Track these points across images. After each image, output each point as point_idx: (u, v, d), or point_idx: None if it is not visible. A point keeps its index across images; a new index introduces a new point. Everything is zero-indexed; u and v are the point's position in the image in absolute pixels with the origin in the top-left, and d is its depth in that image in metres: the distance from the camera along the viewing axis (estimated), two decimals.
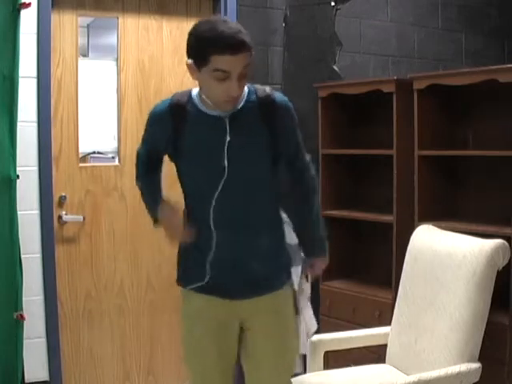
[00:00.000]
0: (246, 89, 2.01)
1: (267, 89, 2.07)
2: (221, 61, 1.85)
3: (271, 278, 2.09)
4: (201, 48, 1.87)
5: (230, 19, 2.00)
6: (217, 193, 2.00)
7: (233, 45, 1.84)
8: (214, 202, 2.01)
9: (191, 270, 2.11)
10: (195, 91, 2.08)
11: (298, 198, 2.19)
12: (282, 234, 2.15)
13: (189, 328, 2.16)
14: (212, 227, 2.02)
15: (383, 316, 3.10)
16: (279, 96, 2.08)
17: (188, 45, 1.94)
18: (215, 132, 1.99)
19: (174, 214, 2.12)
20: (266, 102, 2.02)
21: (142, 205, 3.53)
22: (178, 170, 2.16)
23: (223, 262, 2.04)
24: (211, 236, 2.03)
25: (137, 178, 2.35)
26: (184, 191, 2.16)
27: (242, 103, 2.01)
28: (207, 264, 2.04)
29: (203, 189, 2.05)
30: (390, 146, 3.17)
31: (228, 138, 1.98)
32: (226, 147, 1.98)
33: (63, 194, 3.36)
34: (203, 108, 2.02)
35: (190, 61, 1.93)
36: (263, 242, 2.05)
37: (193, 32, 1.93)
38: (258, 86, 2.07)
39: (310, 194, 2.19)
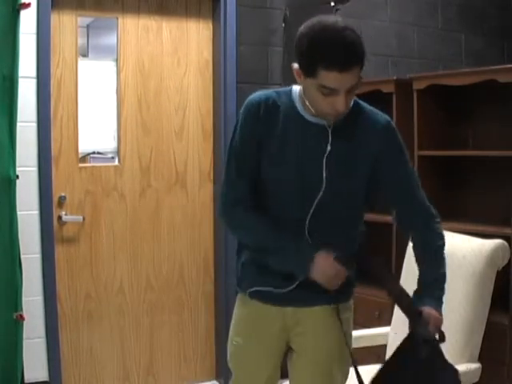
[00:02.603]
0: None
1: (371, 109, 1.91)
2: (328, 78, 1.67)
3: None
4: (309, 59, 1.69)
5: (348, 23, 1.73)
6: (312, 206, 1.83)
7: (343, 62, 1.65)
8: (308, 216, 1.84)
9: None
10: (296, 91, 1.90)
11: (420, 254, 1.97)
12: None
13: None
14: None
15: (383, 316, 3.10)
16: (383, 118, 1.92)
17: (297, 47, 1.74)
18: (316, 141, 1.83)
19: (329, 260, 1.82)
20: (370, 122, 1.88)
21: (142, 205, 3.56)
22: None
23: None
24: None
25: (225, 210, 1.96)
26: (263, 199, 1.92)
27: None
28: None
29: (292, 200, 1.86)
30: None
31: (329, 148, 1.82)
32: (325, 158, 1.82)
33: (63, 194, 3.36)
34: (305, 114, 1.86)
35: (296, 66, 1.74)
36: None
37: (305, 35, 1.72)
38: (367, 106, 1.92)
39: (435, 251, 1.94)
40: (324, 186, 1.82)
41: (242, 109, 1.91)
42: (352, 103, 1.82)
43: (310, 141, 1.84)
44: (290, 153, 1.84)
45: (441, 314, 1.85)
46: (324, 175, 1.82)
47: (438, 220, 1.96)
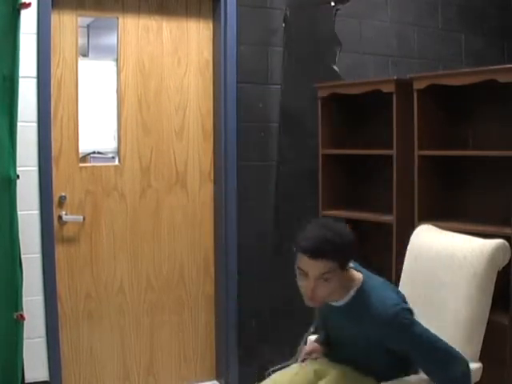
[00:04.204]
0: (356, 285, 2.17)
1: (388, 311, 2.10)
2: (301, 259, 2.09)
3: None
4: (295, 242, 2.12)
5: (334, 224, 2.16)
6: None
7: (310, 249, 2.05)
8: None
9: None
10: None
11: None
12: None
13: None
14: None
15: None
16: (388, 313, 2.10)
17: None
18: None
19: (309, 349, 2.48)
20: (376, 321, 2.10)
21: (142, 204, 3.57)
22: None
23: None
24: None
25: None
26: None
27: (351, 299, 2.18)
28: None
29: None
30: (389, 145, 3.16)
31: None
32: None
33: (63, 194, 3.36)
34: None
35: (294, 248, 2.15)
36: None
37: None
38: (374, 293, 2.16)
39: None
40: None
41: None
42: (351, 294, 2.17)
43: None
44: None
45: None
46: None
47: (455, 363, 2.13)
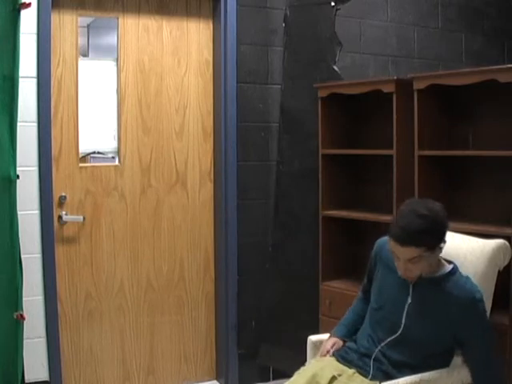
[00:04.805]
0: (448, 268, 2.33)
1: (469, 287, 2.27)
2: (391, 243, 2.25)
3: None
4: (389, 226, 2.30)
5: (425, 208, 2.24)
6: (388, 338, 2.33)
7: (397, 237, 2.21)
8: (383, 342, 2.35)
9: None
10: None
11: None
12: None
13: None
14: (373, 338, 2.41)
15: None
16: (467, 294, 2.25)
17: None
18: (399, 288, 2.35)
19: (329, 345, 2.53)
20: (460, 302, 2.23)
21: (142, 204, 3.57)
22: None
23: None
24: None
25: None
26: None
27: (435, 276, 2.30)
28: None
29: (377, 319, 2.42)
30: (390, 146, 3.17)
31: (409, 301, 2.31)
32: (406, 307, 2.31)
33: (63, 194, 3.36)
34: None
35: None
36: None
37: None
38: (462, 278, 2.30)
39: None
40: (401, 330, 2.30)
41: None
42: (443, 271, 2.31)
43: (393, 286, 2.38)
44: (382, 291, 2.44)
45: None
46: (403, 321, 2.29)
47: (494, 369, 2.28)
